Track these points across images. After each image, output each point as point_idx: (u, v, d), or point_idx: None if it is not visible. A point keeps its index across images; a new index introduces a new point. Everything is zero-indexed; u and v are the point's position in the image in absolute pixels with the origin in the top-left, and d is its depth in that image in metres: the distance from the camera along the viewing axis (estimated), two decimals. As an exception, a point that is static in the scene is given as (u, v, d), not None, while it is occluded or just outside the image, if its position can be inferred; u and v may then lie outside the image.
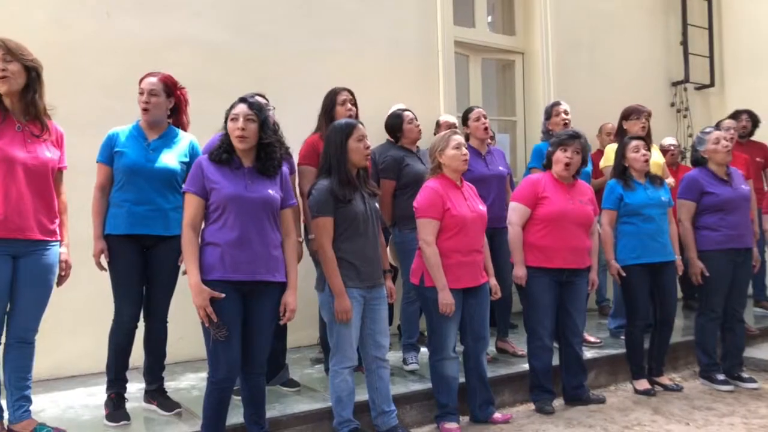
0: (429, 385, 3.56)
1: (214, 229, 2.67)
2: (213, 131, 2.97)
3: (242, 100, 2.77)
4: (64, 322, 3.75)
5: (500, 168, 4.30)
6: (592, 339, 4.49)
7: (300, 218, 3.75)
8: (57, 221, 2.86)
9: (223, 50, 4.55)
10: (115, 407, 3.09)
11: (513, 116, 6.28)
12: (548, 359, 3.73)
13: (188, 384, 3.76)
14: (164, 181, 3.13)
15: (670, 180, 4.75)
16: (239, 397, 2.99)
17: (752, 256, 4.17)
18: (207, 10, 4.54)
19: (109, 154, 3.14)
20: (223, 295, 2.60)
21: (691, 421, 3.51)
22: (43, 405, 3.37)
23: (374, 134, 3.74)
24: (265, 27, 4.76)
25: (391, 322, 4.13)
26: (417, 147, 4.18)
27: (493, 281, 3.54)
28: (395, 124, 4.11)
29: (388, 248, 3.75)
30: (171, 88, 3.21)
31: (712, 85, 7.22)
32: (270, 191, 2.76)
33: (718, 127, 4.82)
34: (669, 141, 5.63)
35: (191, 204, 2.69)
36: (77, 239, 3.13)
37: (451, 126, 4.47)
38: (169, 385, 3.51)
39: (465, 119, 4.37)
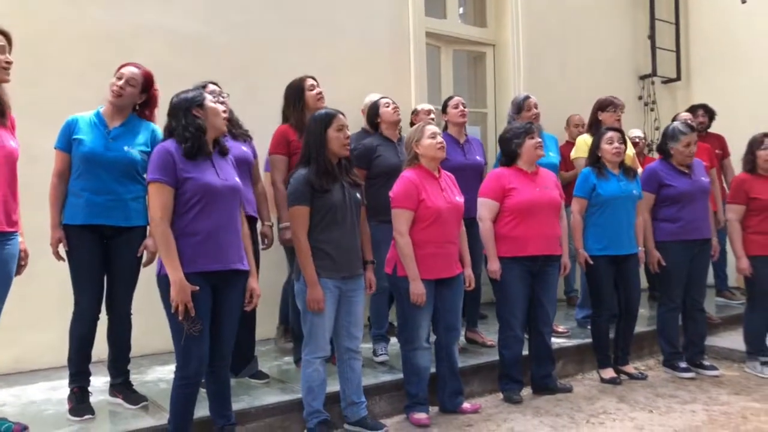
0: (399, 375, 3.58)
1: (188, 220, 2.60)
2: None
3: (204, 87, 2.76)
4: (26, 315, 3.66)
5: (477, 157, 4.32)
6: (560, 329, 4.55)
7: (268, 206, 3.73)
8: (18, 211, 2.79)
9: (193, 39, 4.46)
10: (79, 401, 3.03)
11: (484, 108, 6.31)
12: (519, 349, 3.77)
13: (155, 377, 3.70)
14: (124, 170, 3.04)
15: (640, 171, 4.82)
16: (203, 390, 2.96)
17: (709, 246, 4.25)
18: (178, -1, 4.46)
19: (68, 140, 3.04)
20: (198, 288, 2.56)
21: (655, 409, 3.58)
22: (4, 400, 3.30)
23: (346, 124, 3.72)
24: (237, 16, 4.69)
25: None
26: (400, 136, 4.13)
27: (468, 272, 3.55)
28: (372, 111, 4.11)
29: None
30: (149, 84, 3.16)
31: (678, 78, 7.35)
32: (236, 178, 2.75)
33: (674, 120, 4.90)
34: (635, 133, 5.72)
35: (163, 194, 2.55)
36: (39, 230, 3.06)
37: (429, 112, 4.48)
38: (136, 378, 3.46)
39: (444, 108, 4.38)
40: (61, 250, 3.05)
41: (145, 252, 3.13)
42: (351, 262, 3.12)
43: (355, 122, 4.20)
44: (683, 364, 4.24)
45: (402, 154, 3.85)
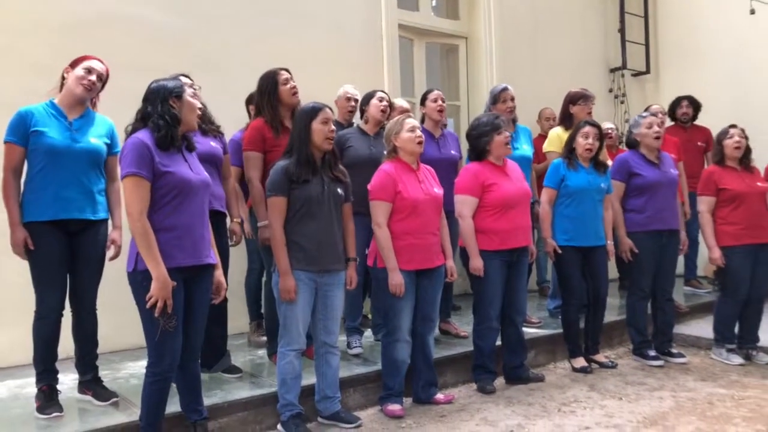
0: (373, 368, 3.59)
1: (165, 215, 2.55)
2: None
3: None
4: (-8, 313, 3.59)
5: (452, 152, 4.32)
6: (533, 319, 4.60)
7: (238, 202, 3.69)
8: None
9: (161, 29, 4.39)
10: (47, 399, 2.97)
11: (457, 101, 6.33)
12: (494, 340, 3.81)
13: (126, 373, 3.66)
14: (91, 162, 2.99)
15: (609, 163, 4.88)
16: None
17: (678, 237, 4.33)
18: (144, -13, 4.38)
19: (24, 133, 2.91)
20: (175, 284, 2.53)
21: (624, 396, 3.65)
22: (-29, 399, 3.24)
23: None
24: (206, 7, 4.62)
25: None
26: (378, 130, 4.09)
27: (450, 263, 3.57)
28: (365, 100, 4.12)
29: None
30: (106, 80, 3.12)
31: (647, 71, 7.45)
32: (205, 172, 2.73)
33: (647, 111, 4.98)
34: (607, 125, 5.79)
35: (141, 189, 2.47)
36: (3, 227, 2.98)
37: (404, 111, 4.46)
38: (107, 374, 3.42)
39: (423, 100, 4.38)
40: None
41: (112, 246, 3.08)
42: (327, 257, 3.10)
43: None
44: (652, 352, 4.32)
45: (374, 147, 3.84)
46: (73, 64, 3.04)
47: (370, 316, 4.47)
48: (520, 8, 6.43)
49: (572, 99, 4.79)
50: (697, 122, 5.97)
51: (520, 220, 3.71)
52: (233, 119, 3.79)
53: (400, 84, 5.58)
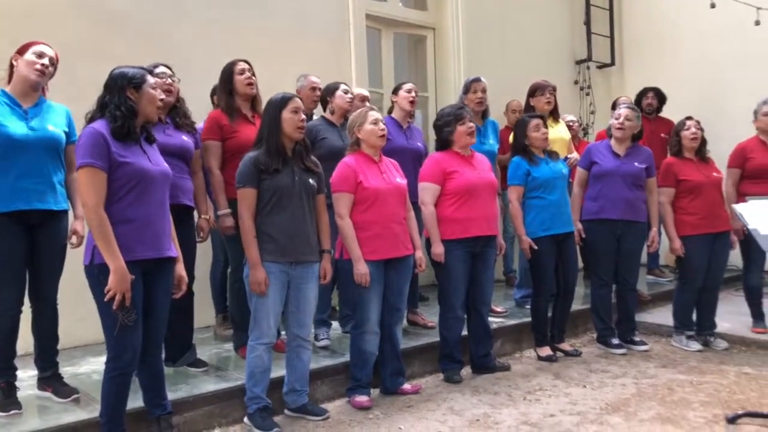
0: (341, 360, 3.59)
1: (123, 207, 2.50)
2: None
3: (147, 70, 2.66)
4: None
5: (418, 144, 4.34)
6: (498, 309, 4.64)
7: (207, 199, 3.65)
8: None
9: (120, 16, 4.28)
10: (5, 396, 2.90)
11: (425, 92, 6.32)
12: (460, 330, 3.84)
13: (88, 369, 3.58)
14: (51, 151, 2.91)
15: (575, 155, 4.95)
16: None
17: (639, 228, 4.35)
18: (102, -28, 4.27)
19: None
20: (134, 277, 2.48)
21: (588, 384, 3.72)
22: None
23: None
24: (169, -5, 4.53)
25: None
26: (343, 121, 4.06)
27: (419, 254, 3.57)
28: (327, 93, 4.07)
29: None
30: (56, 66, 3.04)
31: (612, 64, 7.55)
32: (165, 164, 2.68)
33: (614, 105, 5.07)
34: (569, 118, 5.86)
35: (97, 179, 2.42)
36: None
37: (364, 99, 4.45)
38: (67, 370, 3.36)
39: (396, 90, 4.36)
40: None
41: (74, 237, 3.01)
42: (299, 248, 3.07)
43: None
44: (615, 341, 4.40)
45: (345, 139, 3.82)
46: (21, 51, 2.95)
47: (338, 308, 4.46)
48: (486, 0, 6.44)
49: (531, 91, 4.86)
50: (662, 114, 6.08)
51: (483, 209, 3.73)
52: (196, 111, 3.71)
53: (368, 74, 5.55)
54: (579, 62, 7.35)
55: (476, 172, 3.78)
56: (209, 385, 3.25)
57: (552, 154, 4.23)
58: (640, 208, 4.33)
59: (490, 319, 4.07)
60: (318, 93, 4.28)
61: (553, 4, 7.17)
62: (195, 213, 3.56)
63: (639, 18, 7.49)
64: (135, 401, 2.83)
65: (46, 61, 2.93)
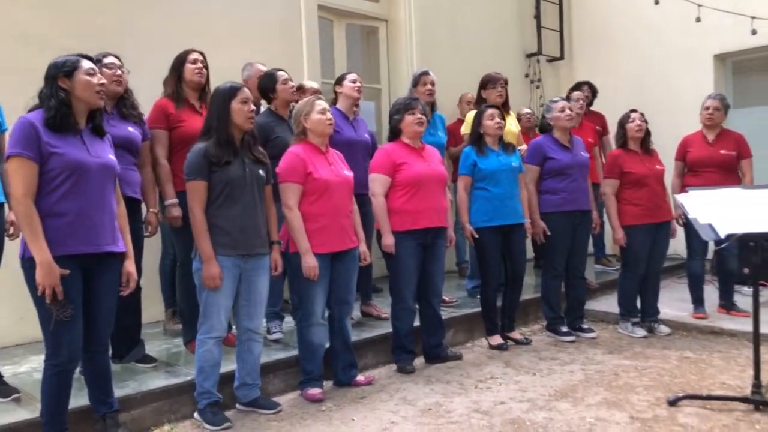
0: (293, 353, 3.57)
1: (55, 199, 2.42)
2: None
3: (86, 57, 2.57)
4: None
5: (365, 135, 4.32)
6: (447, 299, 4.69)
7: (155, 192, 3.57)
8: None
9: (64, 3, 4.11)
10: (-57, 397, 2.79)
11: (378, 84, 6.32)
12: (411, 320, 3.86)
13: (29, 367, 3.46)
14: None
15: (524, 147, 5.02)
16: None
17: (589, 217, 4.52)
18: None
19: None
20: (68, 272, 2.40)
21: (538, 371, 3.79)
22: None
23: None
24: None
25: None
26: (290, 111, 4.02)
27: (363, 247, 3.57)
28: (268, 84, 3.96)
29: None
30: None
31: (562, 57, 7.69)
32: (111, 156, 2.61)
33: (568, 98, 5.16)
34: (526, 110, 5.95)
35: (27, 170, 2.37)
36: None
37: (315, 92, 4.40)
38: (7, 369, 3.25)
39: (340, 81, 4.32)
40: None
41: (11, 228, 2.90)
42: (250, 241, 3.04)
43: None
44: (564, 328, 4.51)
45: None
46: None
47: (290, 301, 4.43)
48: (439, -8, 6.47)
49: (482, 83, 4.91)
50: (595, 108, 6.23)
51: (433, 200, 3.76)
52: (142, 100, 3.62)
53: (320, 65, 5.51)
54: (529, 56, 7.45)
55: (426, 164, 3.80)
56: (158, 381, 3.19)
57: (507, 147, 4.27)
58: (589, 197, 4.48)
59: (442, 309, 4.11)
60: (291, 85, 4.17)
61: (504, -3, 7.24)
62: (144, 206, 3.47)
63: (587, 12, 7.65)
64: (81, 399, 2.77)
65: None
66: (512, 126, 5.01)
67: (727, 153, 4.66)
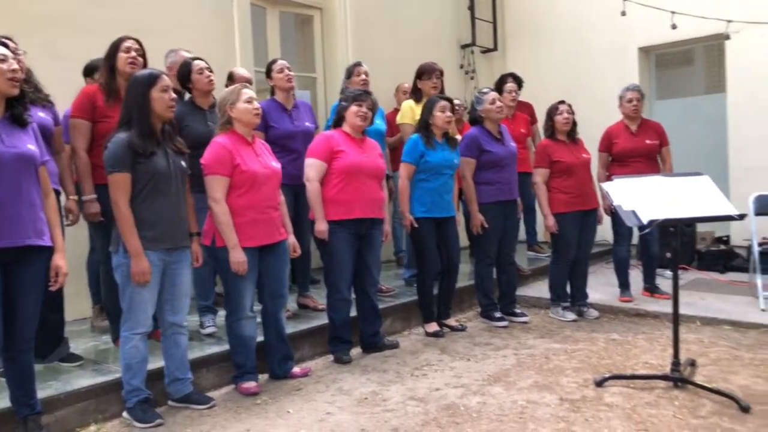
0: (226, 347, 3.50)
1: None
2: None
3: None
4: None
5: (306, 123, 4.25)
6: (384, 288, 4.72)
7: (72, 179, 3.42)
8: None
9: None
10: None
11: (313, 73, 6.25)
12: (347, 311, 3.85)
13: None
14: None
15: (458, 137, 5.08)
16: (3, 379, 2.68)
17: (517, 206, 4.64)
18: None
19: None
20: None
21: (472, 357, 3.87)
22: None
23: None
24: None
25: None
26: (213, 102, 3.91)
27: (292, 239, 3.52)
28: (183, 75, 3.81)
29: None
30: None
31: (495, 49, 7.81)
32: (30, 146, 2.48)
33: (499, 90, 5.25)
34: (456, 101, 5.99)
35: None
36: None
37: (246, 80, 4.31)
38: None
39: (269, 72, 4.24)
40: None
41: None
42: (175, 234, 2.97)
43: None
44: (498, 314, 4.61)
45: (212, 123, 3.65)
46: None
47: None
48: (374, -19, 6.44)
49: (418, 73, 4.93)
50: (526, 98, 6.33)
51: (368, 192, 3.76)
52: (64, 89, 3.45)
53: (253, 53, 5.40)
54: (464, 47, 7.53)
55: (364, 155, 3.78)
56: (84, 380, 3.08)
57: (451, 141, 4.30)
58: (517, 186, 4.61)
59: (380, 298, 4.12)
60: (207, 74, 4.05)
61: (439, -13, 7.28)
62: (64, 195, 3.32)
63: (520, 5, 7.79)
64: (1, 401, 2.66)
65: None
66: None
67: (652, 142, 4.86)
